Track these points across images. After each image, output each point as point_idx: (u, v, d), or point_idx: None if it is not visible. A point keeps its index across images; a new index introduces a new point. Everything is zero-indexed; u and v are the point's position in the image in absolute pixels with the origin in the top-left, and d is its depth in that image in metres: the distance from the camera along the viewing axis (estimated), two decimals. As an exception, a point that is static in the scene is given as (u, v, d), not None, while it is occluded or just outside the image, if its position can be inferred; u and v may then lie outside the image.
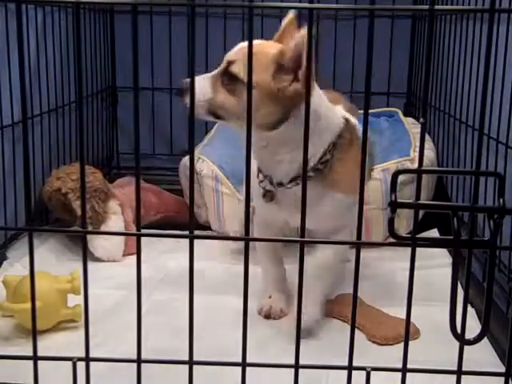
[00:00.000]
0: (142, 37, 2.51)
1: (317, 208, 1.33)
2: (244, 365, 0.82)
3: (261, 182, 1.39)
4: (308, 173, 1.30)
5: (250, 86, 0.77)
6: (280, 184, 1.35)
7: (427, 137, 2.26)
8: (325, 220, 1.38)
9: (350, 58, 2.52)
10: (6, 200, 1.80)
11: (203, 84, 1.27)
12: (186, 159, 2.16)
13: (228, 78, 1.27)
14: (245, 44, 1.25)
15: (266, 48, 1.28)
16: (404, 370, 0.81)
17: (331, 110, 1.38)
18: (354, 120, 1.46)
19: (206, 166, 2.10)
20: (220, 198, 2.09)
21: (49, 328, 1.44)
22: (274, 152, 1.32)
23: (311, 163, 1.32)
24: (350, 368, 0.81)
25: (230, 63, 1.27)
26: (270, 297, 1.54)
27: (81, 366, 0.84)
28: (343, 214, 1.38)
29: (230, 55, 1.29)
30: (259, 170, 1.39)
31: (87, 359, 0.83)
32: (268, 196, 1.39)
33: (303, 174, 0.79)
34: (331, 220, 1.39)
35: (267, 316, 1.52)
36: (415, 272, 0.80)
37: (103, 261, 1.90)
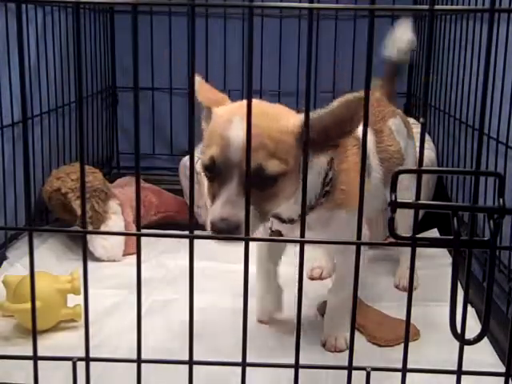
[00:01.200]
0: (142, 37, 2.51)
1: (327, 230, 1.26)
2: (244, 365, 0.82)
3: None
4: (320, 200, 1.24)
5: (250, 80, 0.77)
6: (291, 220, 1.26)
7: (427, 137, 2.26)
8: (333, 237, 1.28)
9: (350, 58, 2.52)
10: (6, 200, 1.80)
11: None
12: (185, 159, 2.16)
13: (261, 182, 1.06)
14: (236, 133, 1.04)
15: (283, 124, 1.07)
16: (404, 370, 0.81)
17: None
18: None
19: (205, 166, 2.09)
20: (220, 198, 2.08)
21: (49, 328, 1.44)
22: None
23: (318, 190, 1.23)
24: (349, 368, 0.81)
25: (260, 168, 1.04)
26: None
27: (81, 365, 0.84)
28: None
29: (243, 157, 0.97)
30: None
31: (87, 359, 0.83)
32: (276, 234, 1.31)
33: (304, 159, 0.78)
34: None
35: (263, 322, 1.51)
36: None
37: (103, 261, 1.90)
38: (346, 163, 1.26)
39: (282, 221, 1.28)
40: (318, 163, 1.20)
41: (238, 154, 1.03)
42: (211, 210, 1.05)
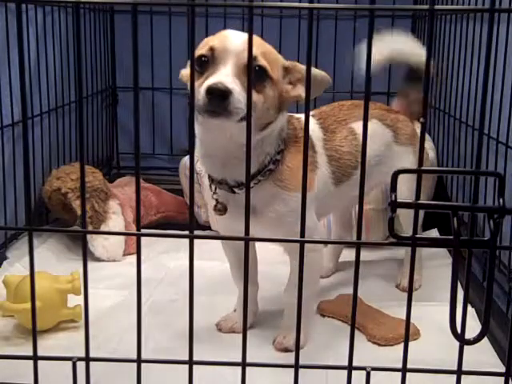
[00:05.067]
0: (142, 37, 2.51)
1: (269, 211, 1.28)
2: (244, 365, 0.82)
3: (214, 193, 1.31)
4: (260, 175, 1.27)
5: (249, 87, 0.77)
6: (241, 184, 1.26)
7: (427, 137, 2.26)
8: (278, 224, 1.29)
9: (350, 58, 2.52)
10: (6, 200, 1.80)
11: (238, 89, 1.09)
12: (185, 159, 2.16)
13: (255, 76, 1.15)
14: (234, 33, 1.18)
15: (272, 49, 1.23)
16: (404, 370, 0.81)
17: None
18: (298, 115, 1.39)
19: (205, 165, 2.10)
20: (220, 197, 2.08)
21: (49, 328, 1.44)
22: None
23: (266, 161, 1.27)
24: (349, 368, 0.81)
25: (254, 58, 1.13)
26: (234, 310, 1.53)
27: (81, 365, 0.84)
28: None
29: (241, 49, 1.12)
30: (211, 180, 1.30)
31: (87, 359, 0.83)
32: (220, 207, 1.31)
33: (304, 151, 0.78)
34: (285, 224, 1.28)
35: (221, 329, 1.49)
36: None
37: (103, 260, 1.90)
38: (296, 148, 1.31)
39: (230, 187, 1.27)
40: (282, 119, 1.28)
41: (237, 45, 1.13)
42: (204, 84, 1.10)
